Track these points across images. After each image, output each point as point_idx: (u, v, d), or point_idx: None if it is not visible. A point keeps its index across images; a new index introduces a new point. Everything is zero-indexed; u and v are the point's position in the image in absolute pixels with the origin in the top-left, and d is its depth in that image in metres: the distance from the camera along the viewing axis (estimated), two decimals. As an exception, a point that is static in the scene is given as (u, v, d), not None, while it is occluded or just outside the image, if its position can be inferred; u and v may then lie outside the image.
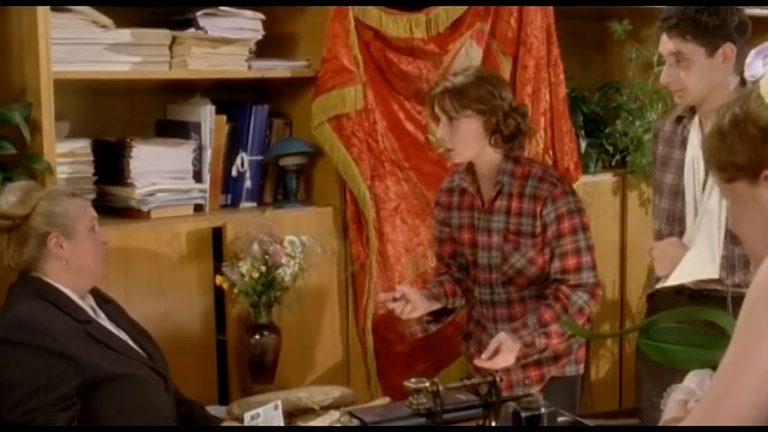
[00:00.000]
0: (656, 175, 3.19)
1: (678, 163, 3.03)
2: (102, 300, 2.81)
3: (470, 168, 3.19)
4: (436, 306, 3.22)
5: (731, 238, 2.86)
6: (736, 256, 2.87)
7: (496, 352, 2.98)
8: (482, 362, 2.97)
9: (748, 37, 2.94)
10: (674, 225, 3.06)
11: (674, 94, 3.06)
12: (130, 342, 2.74)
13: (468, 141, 3.08)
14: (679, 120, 3.10)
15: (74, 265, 2.65)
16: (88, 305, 2.71)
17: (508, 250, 3.11)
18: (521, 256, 3.10)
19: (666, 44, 2.95)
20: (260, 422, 2.81)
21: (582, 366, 3.25)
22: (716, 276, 2.88)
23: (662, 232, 3.11)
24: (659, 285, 3.06)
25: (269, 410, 2.81)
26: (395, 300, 3.12)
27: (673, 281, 2.95)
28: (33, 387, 2.48)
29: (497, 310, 3.18)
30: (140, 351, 2.74)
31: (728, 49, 2.89)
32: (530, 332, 3.02)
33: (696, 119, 3.02)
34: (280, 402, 2.83)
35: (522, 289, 3.14)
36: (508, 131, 3.08)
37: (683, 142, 3.04)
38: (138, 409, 2.62)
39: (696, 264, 2.89)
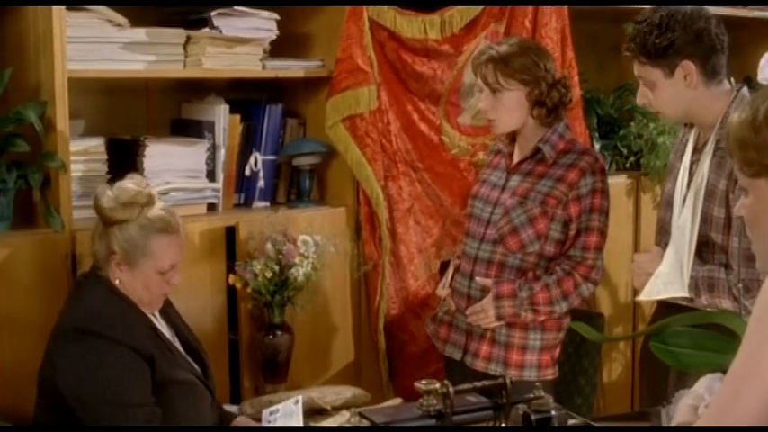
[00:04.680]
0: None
1: (676, 173, 2.96)
2: (166, 303, 2.82)
3: (511, 134, 3.19)
4: None
5: (699, 259, 2.82)
6: (701, 277, 2.80)
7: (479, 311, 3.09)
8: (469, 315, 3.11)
9: (720, 45, 2.82)
10: (662, 235, 3.00)
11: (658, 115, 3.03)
12: (183, 352, 2.75)
13: (511, 112, 3.09)
14: (686, 128, 3.05)
15: (128, 288, 2.65)
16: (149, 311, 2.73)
17: (511, 205, 3.09)
18: (524, 211, 3.07)
19: (634, 67, 2.89)
20: (278, 417, 2.81)
21: (549, 372, 3.19)
22: (684, 294, 2.82)
23: (656, 242, 3.07)
24: (637, 299, 3.06)
25: (289, 405, 2.81)
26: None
27: (644, 297, 2.93)
28: (123, 387, 2.49)
29: (476, 266, 3.16)
30: (193, 363, 2.75)
31: (687, 66, 2.78)
32: (514, 304, 3.05)
33: (694, 129, 2.95)
34: (301, 398, 2.83)
35: (508, 254, 3.11)
36: (551, 103, 3.08)
37: (684, 152, 2.96)
38: (185, 417, 2.62)
39: (665, 282, 2.84)
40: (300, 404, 2.78)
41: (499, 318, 3.08)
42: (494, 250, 3.13)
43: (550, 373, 3.17)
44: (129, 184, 2.69)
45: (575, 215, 3.06)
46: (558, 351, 3.22)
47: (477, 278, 3.12)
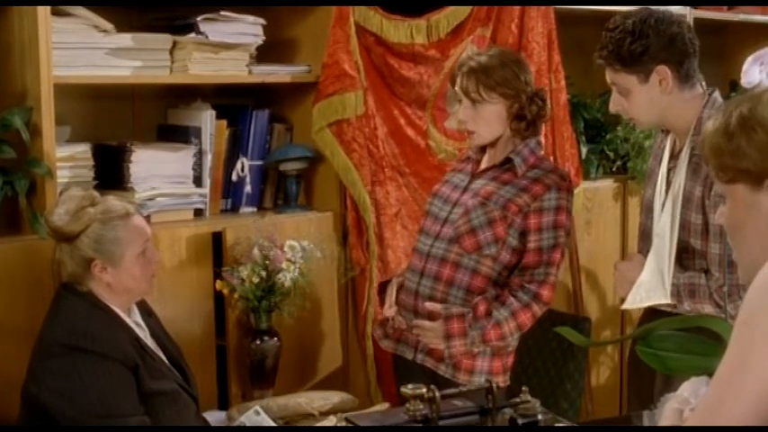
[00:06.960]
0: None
1: (655, 178, 2.95)
2: (146, 313, 2.80)
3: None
4: None
5: (679, 265, 2.82)
6: (682, 284, 2.79)
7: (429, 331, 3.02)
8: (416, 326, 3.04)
9: (692, 49, 2.82)
10: (644, 241, 2.99)
11: (630, 122, 3.01)
12: (167, 362, 2.74)
13: (490, 124, 3.06)
14: (663, 133, 3.04)
15: (117, 288, 2.64)
16: (133, 321, 2.71)
17: (472, 205, 3.05)
18: (484, 212, 3.02)
19: (606, 74, 2.88)
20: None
21: (500, 379, 3.11)
22: (667, 301, 2.81)
23: (638, 248, 3.05)
24: (621, 307, 3.05)
25: (251, 417, 2.81)
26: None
27: (628, 305, 2.93)
28: (113, 399, 2.48)
29: (428, 264, 3.09)
30: (176, 372, 2.74)
31: (662, 71, 2.77)
32: (465, 343, 2.98)
33: (671, 135, 2.94)
34: (259, 407, 2.84)
35: (464, 254, 3.04)
36: (531, 116, 3.06)
37: (662, 158, 2.95)
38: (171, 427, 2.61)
39: (648, 289, 2.83)
40: (262, 412, 2.80)
41: (450, 357, 3.02)
42: (448, 249, 3.07)
43: (501, 381, 3.09)
44: (69, 192, 2.69)
45: (533, 227, 3.01)
46: (511, 359, 3.15)
47: (427, 304, 3.04)
